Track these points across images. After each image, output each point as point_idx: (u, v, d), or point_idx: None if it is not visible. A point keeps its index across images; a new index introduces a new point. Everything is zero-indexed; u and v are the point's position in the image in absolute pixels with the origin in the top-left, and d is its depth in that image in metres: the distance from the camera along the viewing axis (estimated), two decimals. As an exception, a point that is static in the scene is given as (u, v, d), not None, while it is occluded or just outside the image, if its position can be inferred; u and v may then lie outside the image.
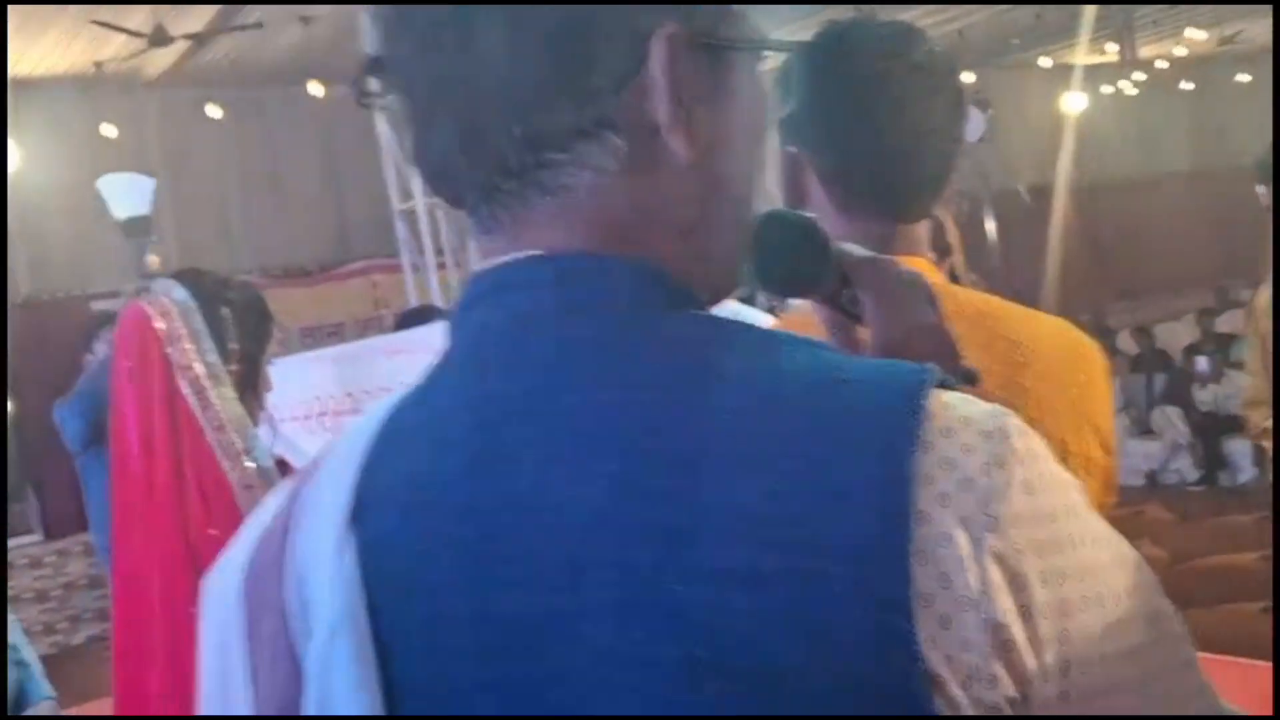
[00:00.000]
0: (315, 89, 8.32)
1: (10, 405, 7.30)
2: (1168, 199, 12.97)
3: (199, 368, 1.81)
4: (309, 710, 0.59)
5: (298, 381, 2.32)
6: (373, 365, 2.15)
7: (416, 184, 7.43)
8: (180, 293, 1.85)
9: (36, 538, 7.73)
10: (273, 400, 1.99)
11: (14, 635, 2.62)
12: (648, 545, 0.52)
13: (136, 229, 3.54)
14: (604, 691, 0.53)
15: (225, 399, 1.81)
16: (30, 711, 2.51)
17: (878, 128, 1.06)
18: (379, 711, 0.58)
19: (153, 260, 3.40)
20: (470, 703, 0.57)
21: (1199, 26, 11.12)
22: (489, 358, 0.60)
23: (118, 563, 1.84)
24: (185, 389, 1.79)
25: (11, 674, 2.50)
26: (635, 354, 0.57)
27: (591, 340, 0.58)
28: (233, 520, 1.72)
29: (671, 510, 0.52)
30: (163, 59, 7.69)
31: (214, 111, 8.45)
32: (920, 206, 1.11)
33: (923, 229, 1.12)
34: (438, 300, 7.40)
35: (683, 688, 0.51)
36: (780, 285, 0.75)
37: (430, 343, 2.12)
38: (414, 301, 7.60)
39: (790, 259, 0.73)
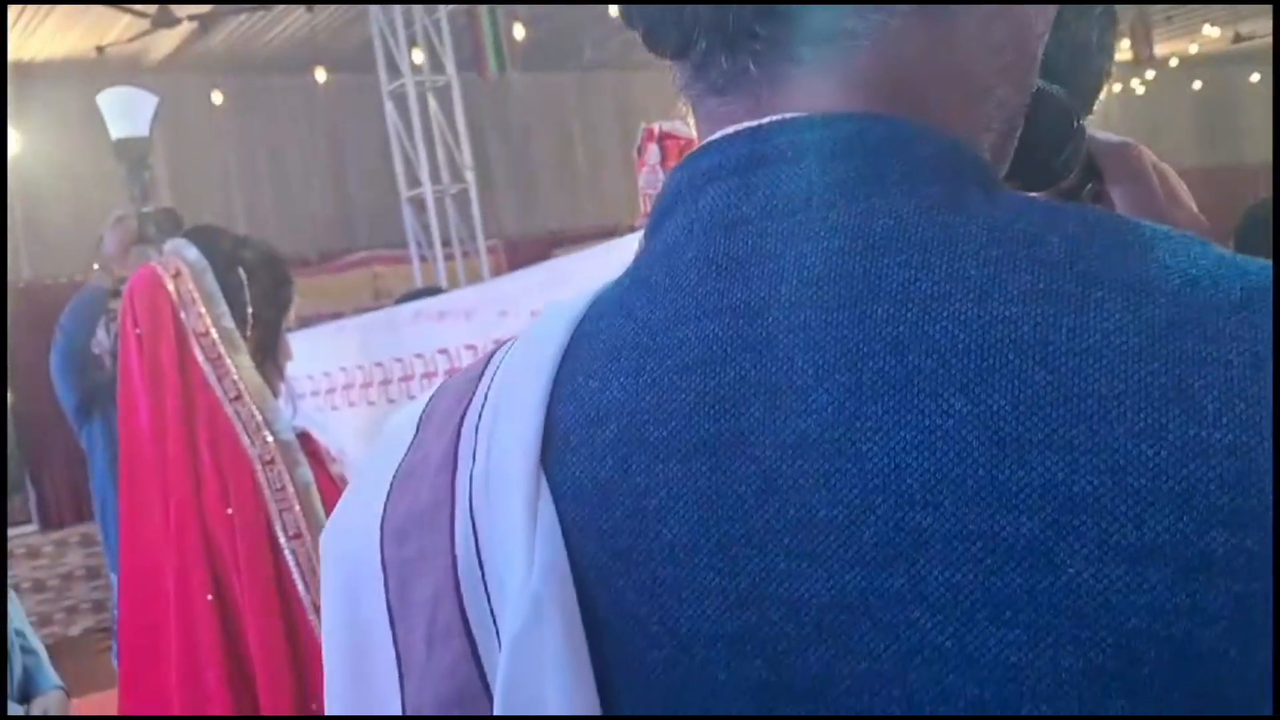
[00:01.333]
0: (320, 75, 8.22)
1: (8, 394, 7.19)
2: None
3: (214, 333, 1.68)
4: (503, 705, 0.45)
5: (318, 353, 2.20)
6: (412, 330, 2.02)
7: (424, 172, 7.34)
8: (193, 252, 1.73)
9: (34, 528, 7.64)
10: (291, 371, 1.88)
11: (21, 622, 2.54)
12: (1027, 513, 0.37)
13: (131, 151, 3.41)
14: (947, 707, 0.38)
15: (242, 367, 1.69)
16: (40, 700, 2.42)
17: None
18: (595, 708, 0.44)
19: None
20: (727, 703, 0.43)
21: (1214, 24, 11.03)
22: (747, 252, 0.45)
23: (126, 546, 1.73)
24: (199, 356, 1.67)
25: (21, 661, 2.42)
26: (970, 250, 0.42)
27: (902, 231, 0.43)
28: (252, 499, 1.62)
29: (1064, 466, 0.37)
30: (165, 44, 7.59)
31: (217, 98, 8.34)
32: None
33: None
34: (443, 290, 7.31)
35: (1081, 707, 0.37)
36: (1023, 173, 0.60)
37: (470, 305, 2.00)
38: (420, 291, 7.51)
39: (1045, 142, 0.59)
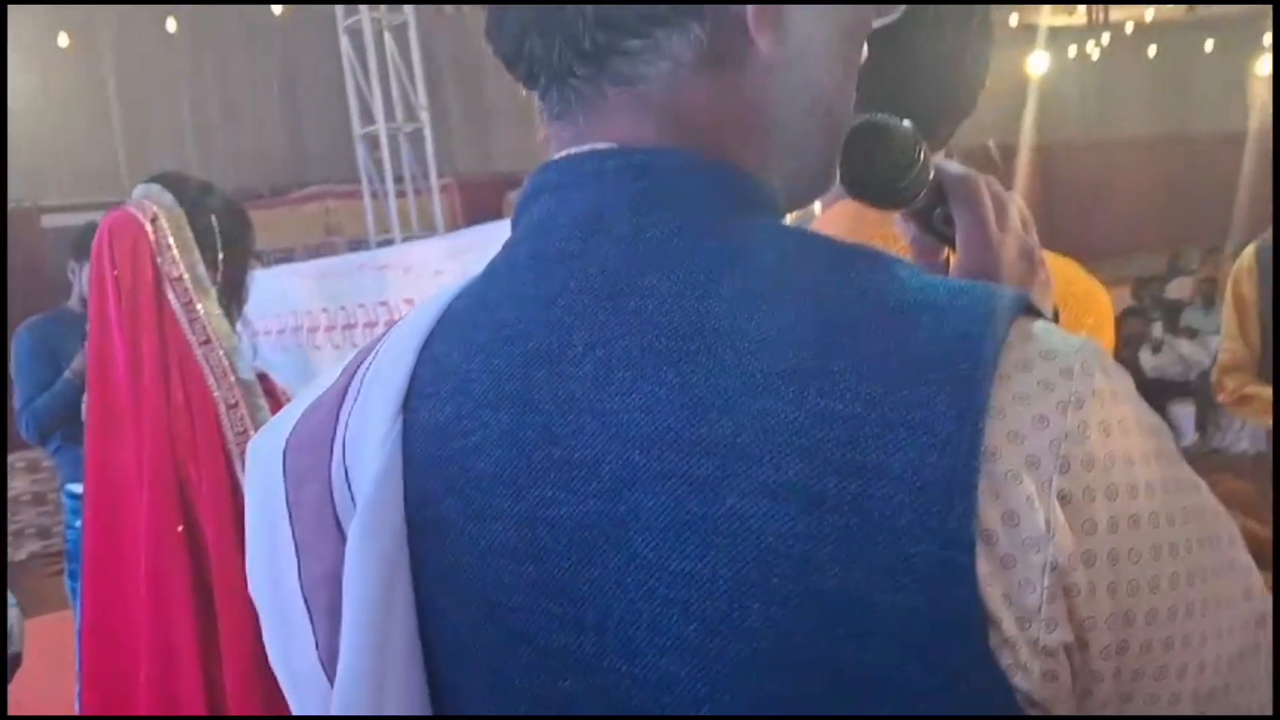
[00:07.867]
0: (276, 8, 8.12)
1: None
2: (1126, 164, 13.04)
3: (188, 279, 1.74)
4: (346, 576, 0.60)
5: (274, 295, 2.27)
6: (356, 280, 2.08)
7: (379, 109, 7.32)
8: (168, 198, 1.79)
9: (-21, 452, 7.61)
10: (249, 313, 1.94)
11: None
12: (706, 457, 0.50)
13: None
14: (648, 603, 0.51)
15: (211, 314, 1.75)
16: None
17: (911, 50, 0.98)
18: (400, 591, 0.59)
19: None
20: (509, 598, 0.56)
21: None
22: (555, 253, 0.58)
23: (94, 480, 1.77)
24: (173, 301, 1.72)
25: None
26: (705, 260, 0.54)
27: (660, 242, 0.55)
28: (216, 440, 1.69)
29: (731, 424, 0.50)
30: (121, -33, 7.47)
31: (171, 25, 8.22)
32: (941, 139, 1.05)
33: None
34: (395, 228, 7.32)
35: (731, 607, 0.49)
36: (874, 197, 0.71)
37: (409, 261, 2.06)
38: (371, 228, 7.51)
39: (888, 170, 0.69)
